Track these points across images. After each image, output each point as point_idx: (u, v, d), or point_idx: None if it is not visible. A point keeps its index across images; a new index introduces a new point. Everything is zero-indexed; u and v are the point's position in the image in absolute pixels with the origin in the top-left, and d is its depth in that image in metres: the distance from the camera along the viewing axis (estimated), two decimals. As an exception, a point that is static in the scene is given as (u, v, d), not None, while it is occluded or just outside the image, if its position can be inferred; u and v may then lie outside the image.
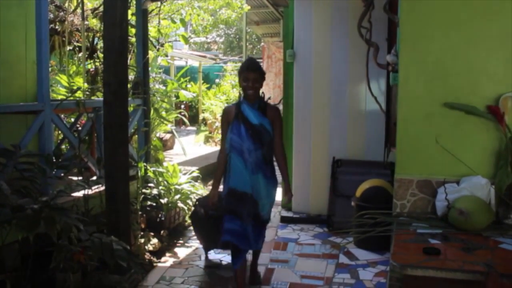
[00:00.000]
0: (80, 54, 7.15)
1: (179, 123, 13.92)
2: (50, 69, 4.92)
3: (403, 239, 2.40)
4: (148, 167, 5.33)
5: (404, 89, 2.81)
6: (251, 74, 3.69)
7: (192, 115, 14.70)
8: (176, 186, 5.46)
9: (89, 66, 7.41)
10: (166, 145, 9.45)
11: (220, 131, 3.90)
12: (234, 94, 13.82)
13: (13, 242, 3.63)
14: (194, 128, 13.92)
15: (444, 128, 2.74)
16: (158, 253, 4.86)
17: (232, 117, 3.77)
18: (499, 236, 2.45)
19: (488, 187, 2.63)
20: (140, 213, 4.98)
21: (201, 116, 14.04)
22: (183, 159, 8.07)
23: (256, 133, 3.71)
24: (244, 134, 3.70)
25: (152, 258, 4.70)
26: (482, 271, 1.96)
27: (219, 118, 4.16)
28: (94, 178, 4.71)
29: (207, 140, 11.82)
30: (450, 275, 2.05)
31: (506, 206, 2.64)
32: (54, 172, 4.13)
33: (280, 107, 9.63)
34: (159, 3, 6.53)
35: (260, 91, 3.85)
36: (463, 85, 2.73)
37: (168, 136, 9.63)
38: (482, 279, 1.91)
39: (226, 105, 4.30)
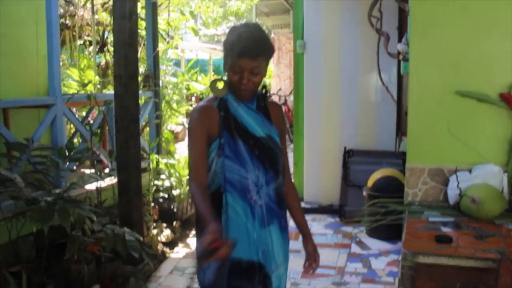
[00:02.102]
0: (90, 48, 7.18)
1: (189, 114, 13.95)
2: (61, 63, 4.94)
3: (415, 227, 2.40)
4: (160, 159, 5.36)
5: (415, 78, 2.79)
6: (247, 63, 1.97)
7: (203, 107, 14.71)
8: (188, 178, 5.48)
9: (101, 59, 7.44)
10: (178, 137, 9.49)
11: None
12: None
13: (28, 235, 3.68)
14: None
15: (456, 116, 2.72)
16: (171, 244, 4.90)
17: (217, 125, 2.06)
18: (511, 224, 2.44)
19: (500, 175, 2.62)
20: (152, 204, 5.02)
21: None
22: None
23: (266, 153, 2.11)
24: (248, 157, 2.07)
25: (165, 249, 4.73)
26: (494, 259, 1.96)
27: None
28: (107, 170, 4.74)
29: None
30: (462, 262, 2.05)
31: (519, 193, 2.62)
32: (66, 165, 4.17)
33: (291, 98, 9.65)
34: (168, -5, 6.54)
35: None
36: (475, 73, 2.71)
37: (179, 128, 9.66)
38: (495, 266, 1.91)
39: (198, 103, 2.14)
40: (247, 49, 1.95)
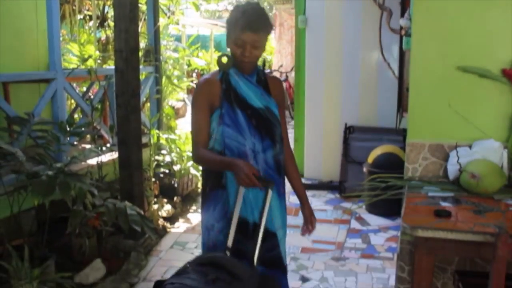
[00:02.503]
0: (90, 23, 7.14)
1: (191, 91, 13.91)
2: (61, 38, 4.91)
3: (414, 202, 2.41)
4: (161, 134, 5.36)
5: (417, 53, 2.77)
6: (249, 36, 2.17)
7: (203, 84, 14.65)
8: (189, 153, 5.50)
9: (101, 34, 7.40)
10: (178, 113, 9.49)
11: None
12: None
13: (30, 209, 3.70)
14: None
15: (457, 91, 2.71)
16: (172, 219, 4.94)
17: (218, 96, 2.25)
18: (510, 199, 2.45)
19: (500, 150, 2.62)
20: (153, 180, 5.04)
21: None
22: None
23: (263, 123, 2.29)
24: (245, 125, 2.25)
25: (165, 224, 4.77)
26: (492, 233, 1.97)
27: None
28: (108, 145, 4.75)
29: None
30: (461, 236, 2.06)
31: (519, 169, 2.63)
32: (67, 139, 4.17)
33: (292, 74, 9.61)
34: (169, -31, 6.46)
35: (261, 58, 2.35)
36: (477, 48, 2.69)
37: (180, 104, 9.65)
38: (493, 240, 1.92)
39: (203, 76, 2.38)
40: (250, 23, 2.16)
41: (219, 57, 2.29)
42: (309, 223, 2.51)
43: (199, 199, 5.65)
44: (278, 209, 2.37)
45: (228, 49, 2.28)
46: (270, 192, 2.09)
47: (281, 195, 2.40)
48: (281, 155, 2.36)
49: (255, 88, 2.30)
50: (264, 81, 2.35)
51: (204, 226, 2.34)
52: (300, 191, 2.54)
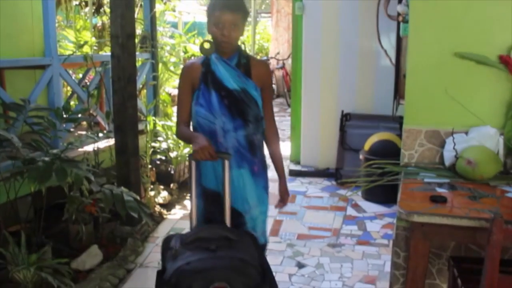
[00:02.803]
0: (86, 9, 7.09)
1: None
2: (56, 24, 4.88)
3: (410, 187, 2.41)
4: (157, 121, 5.35)
5: (414, 39, 2.76)
6: (227, 15, 2.34)
7: (200, 71, 14.60)
8: (185, 140, 5.49)
9: (97, 20, 7.35)
10: (175, 100, 9.43)
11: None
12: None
13: (26, 196, 3.70)
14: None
15: (454, 78, 2.71)
16: (168, 205, 4.95)
17: (198, 79, 2.44)
18: (506, 186, 2.46)
19: (497, 137, 2.62)
20: (149, 166, 5.04)
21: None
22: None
23: (236, 103, 2.42)
24: (217, 105, 2.40)
25: (162, 210, 4.78)
26: (487, 218, 1.98)
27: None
28: (104, 132, 4.74)
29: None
30: (456, 221, 2.07)
31: (515, 156, 2.64)
32: (64, 126, 4.16)
33: (289, 61, 9.58)
34: (165, -45, 6.42)
35: (239, 41, 2.50)
36: (474, 34, 2.68)
37: (176, 91, 9.60)
38: (488, 225, 1.93)
39: (188, 61, 2.81)
40: (228, 4, 2.36)
41: (201, 43, 2.43)
42: (281, 200, 2.73)
43: (196, 186, 5.66)
44: (252, 188, 2.50)
45: (210, 36, 2.45)
46: (226, 163, 2.27)
47: (255, 174, 2.50)
48: (255, 135, 2.49)
49: (233, 71, 2.44)
50: (246, 64, 2.48)
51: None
52: (277, 167, 2.69)
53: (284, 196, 2.72)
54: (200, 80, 2.44)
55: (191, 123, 2.49)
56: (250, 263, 1.99)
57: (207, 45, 2.42)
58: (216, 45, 2.41)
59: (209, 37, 2.50)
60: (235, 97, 2.42)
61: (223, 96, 2.41)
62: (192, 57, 12.98)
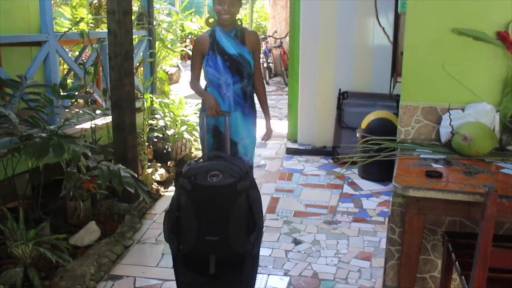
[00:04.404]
0: (82, -15, 7.00)
1: (184, 57, 13.81)
2: (52, 1, 4.83)
3: (407, 163, 2.43)
4: (154, 99, 5.34)
5: (412, 15, 2.75)
6: None
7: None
8: (182, 118, 5.49)
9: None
10: (172, 78, 9.43)
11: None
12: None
13: (24, 172, 3.71)
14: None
15: (451, 54, 2.71)
16: (165, 183, 4.96)
17: (207, 47, 3.34)
18: (501, 162, 2.48)
19: (493, 113, 2.63)
20: (147, 144, 5.05)
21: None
22: (190, 93, 8.05)
23: (235, 64, 3.33)
24: (222, 66, 3.32)
25: (159, 187, 4.80)
26: (482, 193, 2.00)
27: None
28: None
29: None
30: (451, 196, 2.09)
31: (510, 132, 2.65)
32: (61, 102, 4.15)
33: (286, 40, 9.52)
34: None
35: (237, 16, 3.41)
36: (472, 10, 2.67)
37: (174, 70, 9.58)
38: (482, 200, 1.95)
39: (199, 35, 3.62)
40: None
41: (207, 19, 3.43)
42: (266, 135, 3.66)
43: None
44: (243, 124, 3.44)
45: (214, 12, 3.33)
46: (227, 119, 3.32)
47: (245, 114, 3.45)
48: (248, 87, 3.45)
49: (232, 40, 3.35)
50: (241, 35, 3.39)
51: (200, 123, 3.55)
52: (263, 109, 3.63)
53: (268, 132, 3.66)
54: (208, 48, 3.34)
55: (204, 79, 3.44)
56: (237, 166, 2.81)
57: (211, 20, 3.41)
58: (219, 19, 3.32)
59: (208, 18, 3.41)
60: (234, 60, 3.34)
61: (226, 59, 3.33)
62: (190, 36, 12.95)
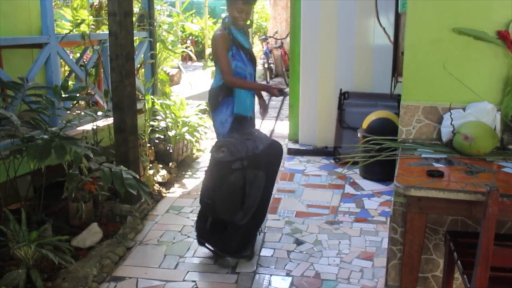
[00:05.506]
0: (83, -13, 7.00)
1: (185, 58, 13.81)
2: (53, 3, 4.84)
3: (408, 163, 2.43)
4: (155, 100, 5.35)
5: (413, 15, 2.76)
6: (247, 7, 3.68)
7: (198, 51, 14.52)
8: (184, 119, 5.50)
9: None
10: (173, 80, 9.41)
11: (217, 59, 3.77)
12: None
13: (26, 174, 3.71)
14: (200, 63, 13.81)
15: (452, 54, 2.71)
16: (167, 184, 4.97)
17: (231, 43, 3.70)
18: (502, 161, 2.48)
19: (494, 112, 2.64)
20: (148, 145, 5.05)
21: (207, 51, 13.87)
22: (191, 94, 8.06)
23: (251, 57, 3.83)
24: (246, 59, 3.76)
25: (161, 189, 4.80)
26: (483, 192, 2.00)
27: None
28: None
29: (213, 75, 11.74)
30: (453, 195, 2.09)
31: (511, 131, 2.65)
32: (62, 104, 4.16)
33: (287, 40, 9.52)
34: None
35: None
36: (473, 9, 2.68)
37: (175, 71, 9.58)
38: (483, 199, 1.95)
39: (218, 32, 3.79)
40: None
41: (223, 19, 3.78)
42: (261, 106, 4.09)
43: (194, 164, 5.69)
44: (252, 102, 3.91)
45: (225, 14, 3.76)
46: (287, 98, 3.84)
47: (253, 94, 3.95)
48: (255, 75, 3.98)
49: (245, 37, 3.84)
50: (247, 33, 3.89)
51: (219, 122, 3.81)
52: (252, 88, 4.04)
53: (262, 103, 4.09)
54: (231, 43, 3.69)
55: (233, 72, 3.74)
56: (247, 148, 3.34)
57: (228, 19, 3.74)
58: (234, 22, 3.71)
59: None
60: (250, 53, 3.85)
61: (246, 53, 3.78)
62: (191, 37, 12.96)
